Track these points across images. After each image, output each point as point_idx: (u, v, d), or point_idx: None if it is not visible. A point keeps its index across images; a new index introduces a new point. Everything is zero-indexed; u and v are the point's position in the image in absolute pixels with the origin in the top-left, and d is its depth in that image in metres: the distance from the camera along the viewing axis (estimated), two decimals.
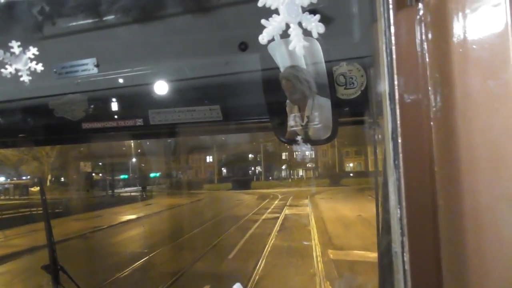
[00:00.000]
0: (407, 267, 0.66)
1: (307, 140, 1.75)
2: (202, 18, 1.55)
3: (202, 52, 1.73)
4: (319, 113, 1.72)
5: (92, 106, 2.02)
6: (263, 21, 0.68)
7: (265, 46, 1.57)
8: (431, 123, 0.72)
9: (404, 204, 0.66)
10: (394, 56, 0.66)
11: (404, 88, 0.69)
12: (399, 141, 0.66)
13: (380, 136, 1.56)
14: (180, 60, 1.76)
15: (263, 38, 0.69)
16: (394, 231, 0.67)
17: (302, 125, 1.75)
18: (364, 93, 1.74)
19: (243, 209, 26.37)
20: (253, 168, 60.83)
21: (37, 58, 1.37)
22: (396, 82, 0.67)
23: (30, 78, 0.93)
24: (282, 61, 1.66)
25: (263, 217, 21.59)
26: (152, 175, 54.02)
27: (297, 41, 0.67)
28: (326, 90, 1.66)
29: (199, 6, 1.51)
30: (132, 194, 42.47)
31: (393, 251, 0.68)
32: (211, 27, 1.62)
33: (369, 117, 1.73)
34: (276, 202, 31.85)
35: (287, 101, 1.73)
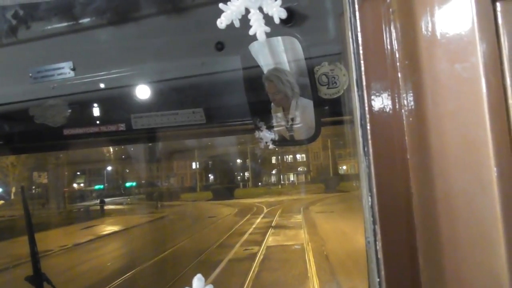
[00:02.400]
0: (380, 255, 0.65)
1: (291, 140, 1.75)
2: (178, 18, 1.55)
3: (179, 53, 1.72)
4: (303, 114, 1.72)
5: (72, 111, 2.00)
6: (221, 5, 0.68)
7: (242, 45, 1.58)
8: (402, 110, 0.71)
9: (375, 191, 0.65)
10: (360, 42, 0.66)
11: (373, 76, 0.69)
12: (368, 127, 0.65)
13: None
14: (157, 62, 1.75)
15: (221, 23, 0.68)
16: (366, 219, 0.66)
17: (286, 127, 1.75)
18: (347, 92, 1.74)
19: (208, 236, 17.80)
20: (241, 174, 57.69)
21: (11, 62, 1.35)
22: (363, 69, 0.66)
23: None
24: (265, 62, 1.65)
25: (231, 254, 12.91)
26: (128, 184, 50.56)
27: (257, 26, 0.67)
28: (309, 90, 1.66)
29: (174, 7, 1.51)
30: (92, 208, 35.54)
31: (366, 240, 0.67)
32: (187, 28, 1.62)
33: (350, 116, 1.73)
34: (258, 219, 22.90)
35: (272, 103, 1.73)
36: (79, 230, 21.80)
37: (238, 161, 55.66)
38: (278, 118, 1.75)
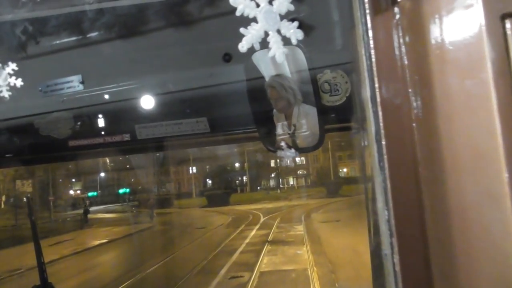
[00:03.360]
0: (397, 268, 0.66)
1: (295, 148, 1.76)
2: (186, 31, 1.57)
3: (186, 65, 1.74)
4: (306, 121, 1.73)
5: (78, 123, 2.01)
6: (242, 30, 0.70)
7: (250, 56, 1.60)
8: (413, 124, 0.73)
9: (391, 205, 0.67)
10: (373, 60, 0.68)
11: (385, 91, 0.71)
12: (383, 143, 0.67)
13: (366, 142, 1.59)
14: (165, 74, 1.77)
15: (242, 47, 0.70)
16: (383, 232, 0.67)
17: (289, 134, 1.76)
18: (349, 99, 1.76)
19: (190, 255, 14.68)
20: (239, 178, 55.67)
21: (21, 77, 1.37)
22: (377, 85, 0.68)
23: (10, 93, 0.92)
24: (266, 71, 1.67)
25: (214, 284, 10.27)
26: (121, 191, 48.67)
27: (276, 48, 0.69)
28: (312, 98, 1.68)
29: (182, 19, 1.53)
30: (77, 218, 32.40)
31: (383, 253, 0.68)
32: (195, 40, 1.64)
33: (355, 123, 1.75)
34: (253, 232, 19.81)
35: (274, 110, 1.74)
36: (47, 247, 16.98)
37: (237, 165, 53.79)
38: (280, 125, 1.77)
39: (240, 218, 26.90)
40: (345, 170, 51.66)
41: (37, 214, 29.47)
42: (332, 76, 1.78)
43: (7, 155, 2.22)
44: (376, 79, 0.67)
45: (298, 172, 55.84)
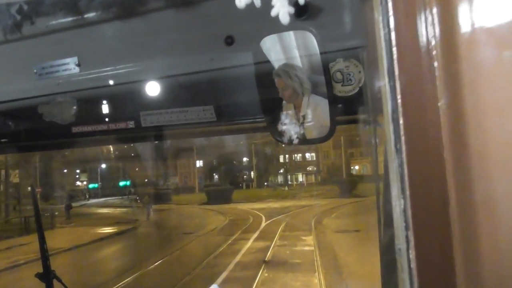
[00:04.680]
0: (413, 265, 0.58)
1: (303, 139, 1.70)
2: (186, 12, 1.49)
3: (187, 48, 1.66)
4: (316, 112, 1.67)
5: (81, 109, 1.96)
6: None
7: (253, 39, 1.52)
8: (438, 103, 0.64)
9: (408, 193, 0.58)
10: (391, 26, 0.58)
11: (406, 64, 0.61)
12: (401, 122, 0.58)
13: (380, 137, 1.50)
14: (165, 57, 1.70)
15: (240, 1, 0.61)
16: (397, 225, 0.58)
17: (298, 124, 1.70)
18: (362, 90, 1.69)
19: (157, 279, 11.41)
20: (247, 173, 54.31)
21: (16, 58, 1.33)
22: (395, 57, 0.59)
23: None
24: (276, 58, 1.60)
25: None
26: (122, 183, 49.31)
27: (280, 6, 0.60)
28: (323, 88, 1.61)
29: (182, 0, 1.45)
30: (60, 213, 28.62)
31: (396, 247, 0.60)
32: (195, 21, 1.56)
33: (368, 115, 1.68)
34: (249, 243, 16.08)
35: (283, 101, 1.68)
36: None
37: (244, 159, 52.43)
38: (289, 115, 1.71)
39: (237, 221, 23.68)
40: (357, 167, 49.80)
41: (20, 207, 27.94)
42: (345, 65, 1.70)
43: (2, 140, 2.17)
44: (394, 49, 0.58)
45: (308, 168, 54.62)
